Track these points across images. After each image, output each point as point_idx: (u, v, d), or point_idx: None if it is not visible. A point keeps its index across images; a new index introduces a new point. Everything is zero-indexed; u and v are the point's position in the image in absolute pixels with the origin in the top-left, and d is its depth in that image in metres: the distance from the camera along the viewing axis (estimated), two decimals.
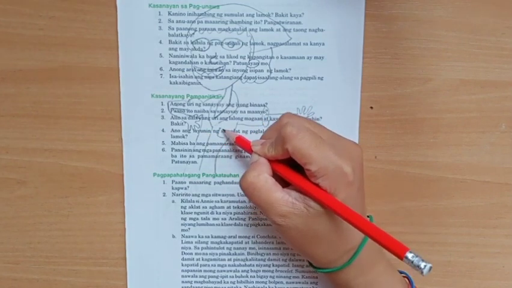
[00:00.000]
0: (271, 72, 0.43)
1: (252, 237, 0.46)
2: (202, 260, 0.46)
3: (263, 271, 0.47)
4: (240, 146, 0.43)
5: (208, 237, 0.46)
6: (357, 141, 0.44)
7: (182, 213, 0.46)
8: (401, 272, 0.41)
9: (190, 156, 0.45)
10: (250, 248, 0.46)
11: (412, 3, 0.43)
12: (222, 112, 0.44)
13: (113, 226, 0.46)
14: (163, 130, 0.44)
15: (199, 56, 0.43)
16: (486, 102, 0.44)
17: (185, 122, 0.44)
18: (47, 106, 0.44)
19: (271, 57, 0.43)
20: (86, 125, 0.45)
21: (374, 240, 0.33)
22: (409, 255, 0.31)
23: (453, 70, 0.44)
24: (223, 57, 0.43)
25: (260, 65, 0.43)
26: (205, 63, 0.43)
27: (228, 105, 0.44)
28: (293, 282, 0.47)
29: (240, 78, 0.44)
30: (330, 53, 0.43)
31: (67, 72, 0.44)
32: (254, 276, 0.47)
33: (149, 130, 0.44)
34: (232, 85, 0.44)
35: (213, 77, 0.44)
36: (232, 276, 0.47)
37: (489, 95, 0.44)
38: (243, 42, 0.43)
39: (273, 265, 0.46)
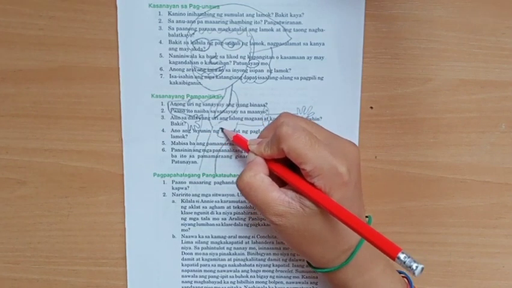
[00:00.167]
0: (271, 72, 0.43)
1: (252, 237, 0.46)
2: (202, 260, 0.46)
3: (263, 271, 0.47)
4: (237, 145, 0.43)
5: (208, 237, 0.46)
6: (357, 141, 0.44)
7: (182, 213, 0.46)
8: (400, 272, 0.41)
9: (190, 156, 0.45)
10: (250, 248, 0.46)
11: (412, 3, 0.43)
12: (222, 112, 0.44)
13: (113, 226, 0.46)
14: (163, 130, 0.44)
15: (199, 56, 0.43)
16: (486, 102, 0.44)
17: (185, 122, 0.44)
18: (47, 106, 0.44)
19: (271, 57, 0.43)
20: (86, 125, 0.45)
21: (366, 239, 0.33)
22: (401, 256, 0.31)
23: (453, 70, 0.44)
24: (223, 57, 0.43)
25: (260, 65, 0.43)
26: (205, 63, 0.43)
27: (228, 105, 0.44)
28: (293, 282, 0.47)
29: (240, 78, 0.44)
30: (330, 53, 0.43)
31: (67, 72, 0.44)
32: (254, 276, 0.47)
33: (149, 130, 0.44)
34: (232, 85, 0.44)
35: (213, 77, 0.44)
36: (232, 276, 0.47)
37: (489, 95, 0.44)
38: (243, 42, 0.43)
39: (273, 265, 0.46)
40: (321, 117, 0.44)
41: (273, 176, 0.38)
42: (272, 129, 0.39)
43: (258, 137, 0.43)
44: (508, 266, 0.46)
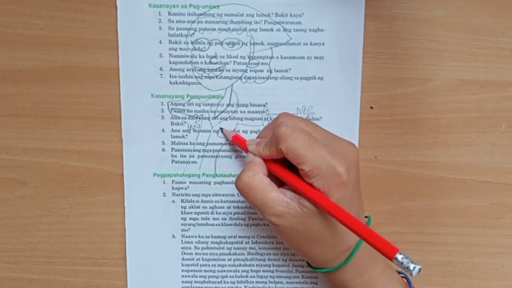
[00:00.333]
0: (271, 72, 0.43)
1: (252, 237, 0.46)
2: (202, 260, 0.46)
3: (263, 271, 0.47)
4: (236, 145, 0.43)
5: (208, 237, 0.46)
6: (357, 141, 0.44)
7: (182, 213, 0.46)
8: (400, 273, 0.41)
9: (190, 156, 0.45)
10: (250, 248, 0.46)
11: (412, 3, 0.43)
12: (222, 112, 0.44)
13: (113, 226, 0.46)
14: (163, 130, 0.44)
15: (199, 56, 0.43)
16: (486, 102, 0.44)
17: (185, 122, 0.44)
18: (47, 106, 0.44)
19: (271, 57, 0.43)
20: (86, 125, 0.45)
21: (364, 240, 0.33)
22: (399, 257, 0.31)
23: (453, 70, 0.44)
24: (223, 57, 0.43)
25: (260, 65, 0.43)
26: (205, 63, 0.43)
27: (228, 105, 0.44)
28: (293, 282, 0.47)
29: (240, 78, 0.44)
30: (330, 53, 0.43)
31: (67, 72, 0.44)
32: (254, 276, 0.47)
33: (149, 130, 0.44)
34: (232, 85, 0.44)
35: (213, 77, 0.44)
36: (232, 276, 0.47)
37: (489, 95, 0.44)
38: (243, 42, 0.43)
39: (273, 265, 0.46)
40: (321, 117, 0.44)
41: (272, 176, 0.38)
42: (271, 130, 0.39)
43: (257, 137, 0.43)
44: (508, 266, 0.46)
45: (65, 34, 0.43)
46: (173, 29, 0.43)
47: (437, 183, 0.45)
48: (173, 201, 0.45)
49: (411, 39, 0.43)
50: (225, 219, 0.46)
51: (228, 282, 0.47)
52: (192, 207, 0.46)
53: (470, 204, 0.46)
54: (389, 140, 0.45)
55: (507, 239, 0.46)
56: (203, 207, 0.46)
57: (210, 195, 0.45)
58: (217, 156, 0.45)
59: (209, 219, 0.46)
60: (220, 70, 0.43)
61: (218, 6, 0.42)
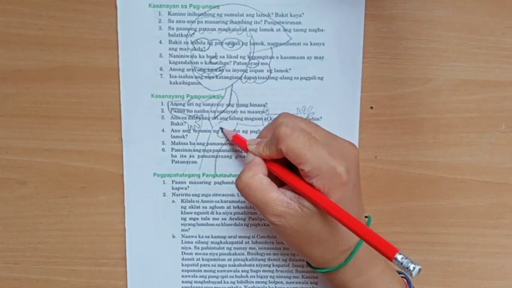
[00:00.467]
0: (271, 72, 0.43)
1: (252, 237, 0.46)
2: (202, 260, 0.46)
3: (263, 271, 0.47)
4: (236, 145, 0.43)
5: (208, 237, 0.46)
6: (357, 141, 0.44)
7: (182, 213, 0.46)
8: (400, 273, 0.41)
9: (190, 156, 0.45)
10: (250, 248, 0.46)
11: (412, 3, 0.43)
12: (222, 112, 0.44)
13: (113, 226, 0.46)
14: (163, 130, 0.44)
15: (199, 56, 0.43)
16: (486, 102, 0.44)
17: (185, 122, 0.44)
18: (47, 106, 0.44)
19: (271, 57, 0.43)
20: (86, 125, 0.45)
21: (364, 240, 0.33)
22: (398, 257, 0.31)
23: (453, 70, 0.44)
24: (223, 57, 0.43)
25: (260, 65, 0.43)
26: (205, 63, 0.43)
27: (228, 105, 0.44)
28: (293, 282, 0.47)
29: (240, 78, 0.44)
30: (330, 53, 0.43)
31: (67, 72, 0.44)
32: (254, 276, 0.47)
33: (149, 130, 0.44)
34: (232, 85, 0.44)
35: (213, 77, 0.44)
36: (232, 276, 0.47)
37: (489, 95, 0.44)
38: (243, 42, 0.43)
39: (273, 265, 0.46)
40: (321, 117, 0.44)
41: (272, 176, 0.38)
42: (271, 130, 0.39)
43: (258, 137, 0.43)
44: (508, 266, 0.46)
45: (65, 34, 0.43)
46: (173, 29, 0.43)
47: (437, 183, 0.45)
48: (173, 201, 0.45)
49: (411, 39, 0.43)
50: (225, 219, 0.46)
51: (228, 282, 0.47)
52: (192, 207, 0.46)
53: (470, 204, 0.46)
54: (389, 140, 0.45)
55: (507, 239, 0.46)
56: (203, 207, 0.46)
57: (210, 195, 0.45)
58: (217, 156, 0.45)
59: (209, 219, 0.46)
60: (220, 70, 0.43)
61: (218, 6, 0.42)
